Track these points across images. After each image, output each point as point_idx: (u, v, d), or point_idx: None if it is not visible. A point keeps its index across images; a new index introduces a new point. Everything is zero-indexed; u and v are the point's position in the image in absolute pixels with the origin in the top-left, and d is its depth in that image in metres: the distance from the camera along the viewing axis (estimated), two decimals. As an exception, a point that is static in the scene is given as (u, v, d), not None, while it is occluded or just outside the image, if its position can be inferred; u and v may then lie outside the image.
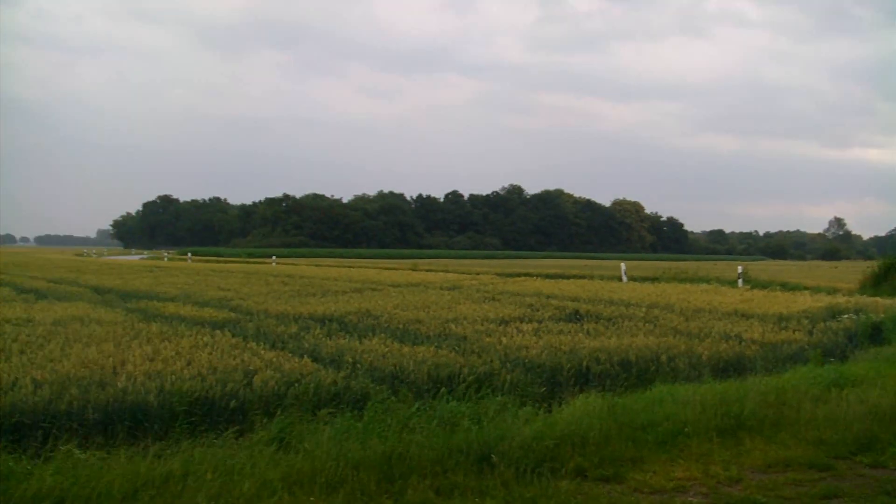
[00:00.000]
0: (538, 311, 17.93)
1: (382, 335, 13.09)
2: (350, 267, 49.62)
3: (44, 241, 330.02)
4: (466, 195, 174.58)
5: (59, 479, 5.98)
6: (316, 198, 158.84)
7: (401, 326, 14.70)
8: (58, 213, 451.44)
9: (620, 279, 34.27)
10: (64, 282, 27.73)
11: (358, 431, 7.56)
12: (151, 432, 7.88)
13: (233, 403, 8.53)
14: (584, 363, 11.24)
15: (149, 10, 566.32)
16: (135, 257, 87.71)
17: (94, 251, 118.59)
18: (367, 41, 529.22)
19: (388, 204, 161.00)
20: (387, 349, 11.48)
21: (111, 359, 9.68)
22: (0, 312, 14.79)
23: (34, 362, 9.43)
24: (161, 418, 8.05)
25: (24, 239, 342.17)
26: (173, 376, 8.92)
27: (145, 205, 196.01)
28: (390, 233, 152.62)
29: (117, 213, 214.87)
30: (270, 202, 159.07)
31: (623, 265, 38.42)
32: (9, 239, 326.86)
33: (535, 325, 14.97)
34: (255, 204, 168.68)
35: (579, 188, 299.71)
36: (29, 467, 6.39)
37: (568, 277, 35.77)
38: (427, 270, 44.20)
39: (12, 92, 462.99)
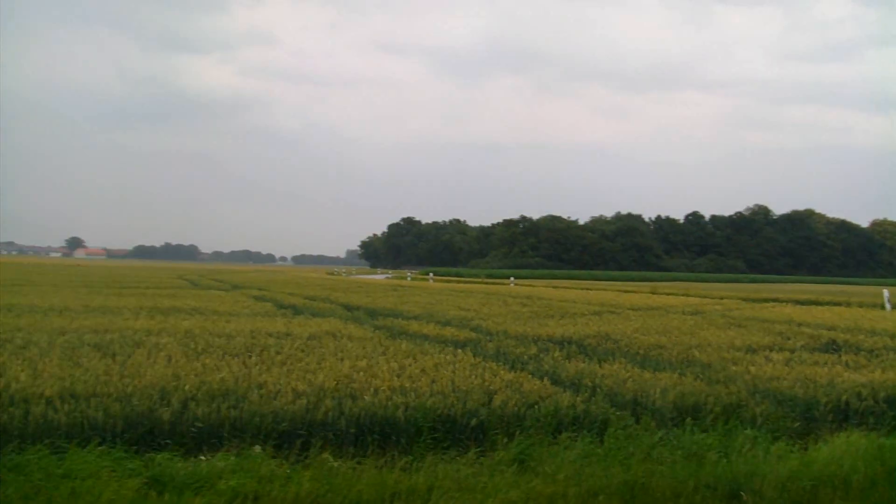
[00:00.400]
0: (789, 339, 16.86)
1: (622, 360, 12.83)
2: (587, 289, 49.23)
3: (299, 260, 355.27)
4: (707, 216, 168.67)
5: (315, 485, 6.33)
6: (552, 219, 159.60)
7: (641, 351, 14.33)
8: (312, 234, 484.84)
9: (883, 307, 31.50)
10: (318, 299, 29.56)
11: (599, 457, 7.42)
12: (398, 446, 8.14)
13: (473, 422, 8.63)
14: (844, 398, 10.36)
15: (393, 43, 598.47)
16: (380, 276, 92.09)
17: (344, 270, 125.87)
18: (602, 62, 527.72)
19: (626, 225, 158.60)
20: (627, 374, 11.22)
21: (362, 373, 10.14)
22: (264, 326, 15.99)
23: (293, 373, 10.05)
24: (407, 433, 8.30)
25: (283, 258, 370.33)
26: (415, 392, 9.20)
27: (390, 226, 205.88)
28: (628, 255, 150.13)
29: (365, 235, 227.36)
30: (508, 224, 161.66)
31: (886, 292, 35.23)
32: (269, 258, 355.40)
33: (787, 354, 14.06)
34: (492, 225, 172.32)
35: (832, 208, 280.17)
36: (288, 472, 6.81)
37: (821, 304, 33.44)
38: (667, 294, 42.92)
39: (273, 123, 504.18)
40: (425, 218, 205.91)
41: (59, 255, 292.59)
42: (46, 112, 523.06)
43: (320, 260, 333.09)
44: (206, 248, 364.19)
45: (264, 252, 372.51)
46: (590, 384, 10.63)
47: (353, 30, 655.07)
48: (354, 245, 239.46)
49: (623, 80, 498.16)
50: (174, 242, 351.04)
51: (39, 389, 8.33)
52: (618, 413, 9.13)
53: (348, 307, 25.42)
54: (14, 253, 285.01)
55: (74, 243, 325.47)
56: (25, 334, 12.98)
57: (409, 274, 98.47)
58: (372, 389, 9.18)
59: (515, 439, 8.06)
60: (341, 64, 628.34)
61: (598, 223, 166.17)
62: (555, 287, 53.77)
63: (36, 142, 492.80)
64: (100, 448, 7.07)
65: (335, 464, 7.13)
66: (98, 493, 5.96)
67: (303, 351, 12.33)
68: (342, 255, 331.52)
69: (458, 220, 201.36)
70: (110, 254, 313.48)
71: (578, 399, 9.50)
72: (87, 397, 8.22)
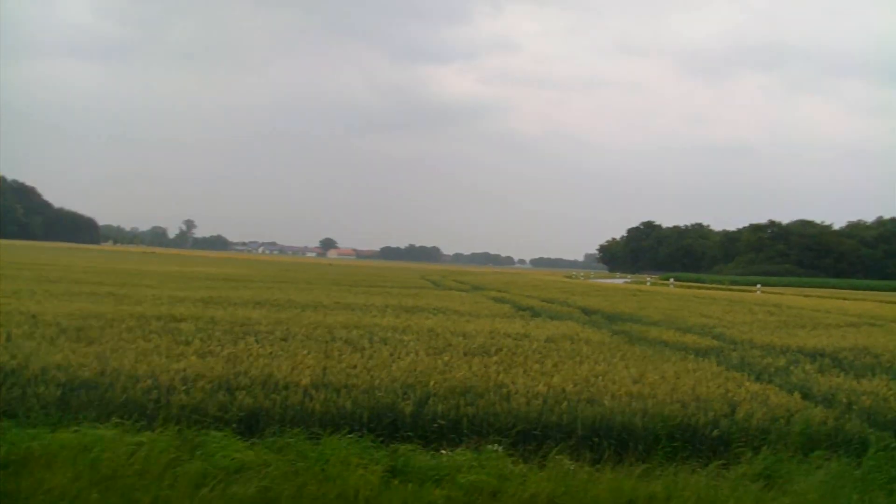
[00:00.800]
0: None
1: (884, 376, 11.82)
2: (844, 299, 45.85)
3: (538, 263, 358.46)
4: None
5: (551, 486, 6.35)
6: (804, 224, 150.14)
7: (906, 368, 13.14)
8: (551, 237, 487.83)
9: None
10: (555, 301, 29.61)
11: (855, 480, 6.90)
12: (635, 452, 8.00)
13: (714, 433, 8.32)
14: None
15: (634, 45, 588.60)
16: (618, 281, 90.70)
17: (582, 274, 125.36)
18: (862, 55, 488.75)
19: (890, 231, 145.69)
20: (890, 392, 10.32)
21: (599, 378, 10.05)
22: (502, 327, 16.26)
23: (529, 374, 10.15)
24: (644, 440, 8.14)
25: (521, 261, 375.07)
26: (654, 399, 9.00)
27: (629, 230, 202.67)
28: (892, 262, 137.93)
29: (603, 238, 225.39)
30: (754, 228, 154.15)
31: None
32: (508, 261, 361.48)
33: None
34: (738, 230, 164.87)
35: None
36: (524, 471, 6.89)
37: None
38: (937, 306, 39.01)
39: (513, 128, 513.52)
40: (666, 222, 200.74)
41: (314, 254, 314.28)
42: (305, 122, 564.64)
43: (558, 263, 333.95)
44: (447, 249, 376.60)
45: (503, 254, 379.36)
46: (845, 400, 9.90)
47: (593, 33, 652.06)
48: (593, 249, 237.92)
49: (887, 74, 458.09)
50: (418, 244, 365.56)
51: (297, 378, 8.97)
52: (878, 434, 8.45)
53: (586, 311, 25.28)
54: (275, 252, 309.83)
55: (328, 244, 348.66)
56: (285, 327, 14.01)
57: (648, 279, 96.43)
58: (609, 394, 9.08)
59: (761, 454, 7.67)
60: (581, 68, 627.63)
61: (856, 228, 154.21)
62: (806, 296, 50.53)
63: (293, 149, 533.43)
64: (348, 436, 7.51)
65: (571, 466, 7.12)
66: (346, 477, 6.33)
67: (540, 353, 12.40)
68: (580, 258, 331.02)
69: (700, 225, 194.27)
70: (359, 254, 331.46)
71: (830, 415, 8.90)
72: (338, 388, 8.75)
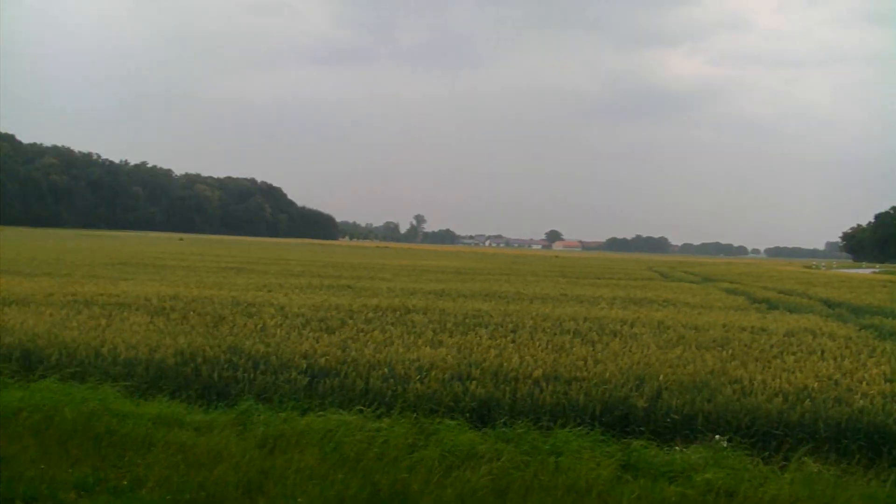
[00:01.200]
0: None
1: None
2: None
3: (773, 252, 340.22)
4: None
5: (794, 489, 6.03)
6: None
7: None
8: (788, 226, 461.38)
9: None
10: (794, 293, 27.96)
11: None
12: (889, 456, 7.41)
13: None
14: None
15: (882, 11, 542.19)
16: (865, 271, 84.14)
17: (823, 263, 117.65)
18: None
19: None
20: None
21: (846, 376, 9.41)
22: (736, 320, 15.58)
23: (768, 370, 9.67)
24: (901, 443, 7.52)
25: (755, 251, 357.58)
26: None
27: (878, 215, 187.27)
28: None
29: (847, 225, 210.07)
30: None
31: None
32: (741, 251, 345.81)
33: None
34: None
35: None
36: (764, 472, 6.58)
37: None
38: None
39: (745, 110, 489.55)
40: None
41: (539, 246, 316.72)
42: (530, 114, 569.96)
43: (796, 252, 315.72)
44: (675, 240, 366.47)
45: (735, 244, 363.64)
46: None
47: (833, 3, 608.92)
48: (835, 237, 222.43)
49: None
50: (644, 235, 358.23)
51: (527, 370, 9.08)
52: None
53: (828, 303, 23.67)
54: (501, 245, 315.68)
55: (553, 236, 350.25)
56: (514, 319, 14.19)
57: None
58: (858, 393, 8.47)
59: None
60: (819, 42, 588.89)
61: None
62: None
63: (519, 143, 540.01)
64: (578, 429, 7.51)
65: (815, 469, 6.72)
66: (578, 470, 6.34)
67: (778, 348, 11.80)
68: (821, 247, 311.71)
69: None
70: (585, 246, 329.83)
71: None
72: (568, 380, 8.77)
